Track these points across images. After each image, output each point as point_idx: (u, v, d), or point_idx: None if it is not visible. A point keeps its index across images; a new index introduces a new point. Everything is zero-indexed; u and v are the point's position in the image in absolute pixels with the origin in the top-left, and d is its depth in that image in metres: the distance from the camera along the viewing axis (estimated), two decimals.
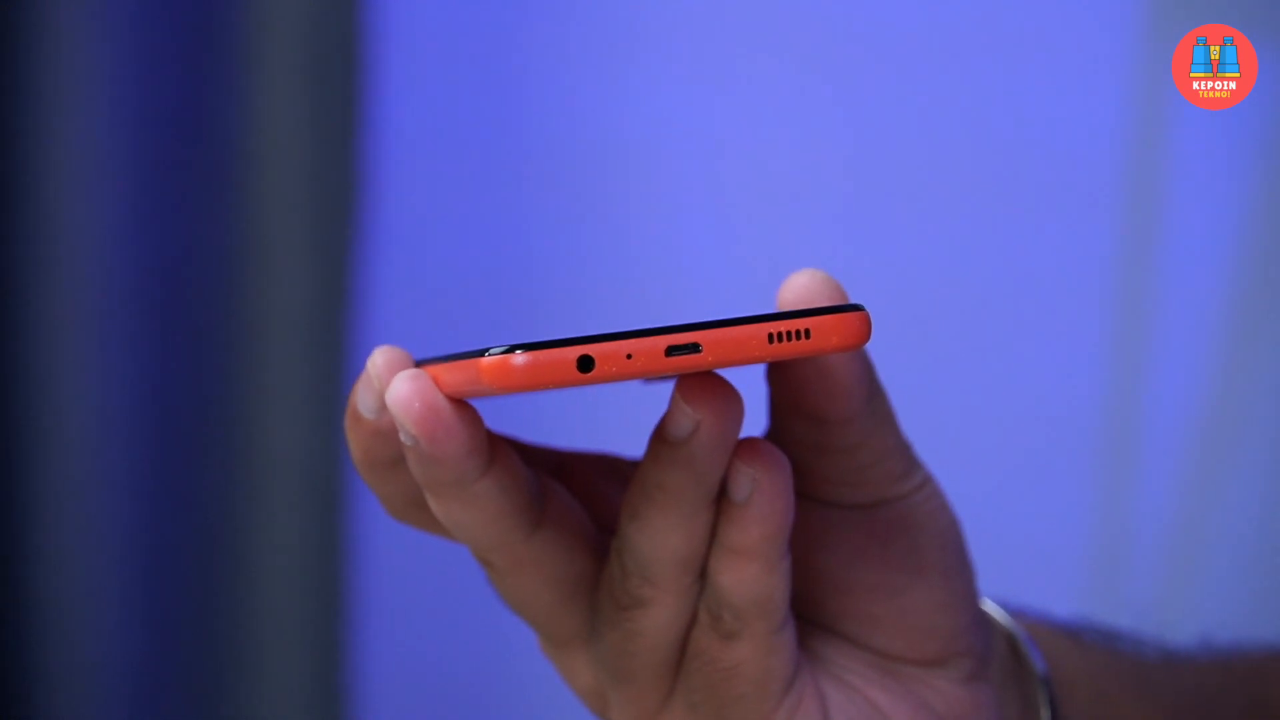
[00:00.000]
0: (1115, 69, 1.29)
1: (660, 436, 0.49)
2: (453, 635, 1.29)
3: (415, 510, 0.54)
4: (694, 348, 0.45)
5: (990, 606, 0.59)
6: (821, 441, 0.52)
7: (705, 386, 0.48)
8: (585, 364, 0.44)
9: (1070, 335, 1.31)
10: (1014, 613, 0.61)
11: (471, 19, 1.27)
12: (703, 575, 0.51)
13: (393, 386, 0.48)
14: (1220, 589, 1.30)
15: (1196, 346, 1.30)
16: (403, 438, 0.49)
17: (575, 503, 0.53)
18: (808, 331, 0.45)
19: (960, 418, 1.31)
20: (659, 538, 0.49)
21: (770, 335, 0.45)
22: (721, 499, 0.49)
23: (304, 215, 1.13)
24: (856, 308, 0.45)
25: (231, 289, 1.13)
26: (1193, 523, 1.31)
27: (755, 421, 0.56)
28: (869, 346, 0.56)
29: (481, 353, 0.45)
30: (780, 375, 0.52)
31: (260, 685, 1.16)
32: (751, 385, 0.56)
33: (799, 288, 0.51)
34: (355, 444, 0.53)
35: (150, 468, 1.14)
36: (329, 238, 1.13)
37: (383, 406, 0.51)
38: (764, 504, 0.49)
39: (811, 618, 0.55)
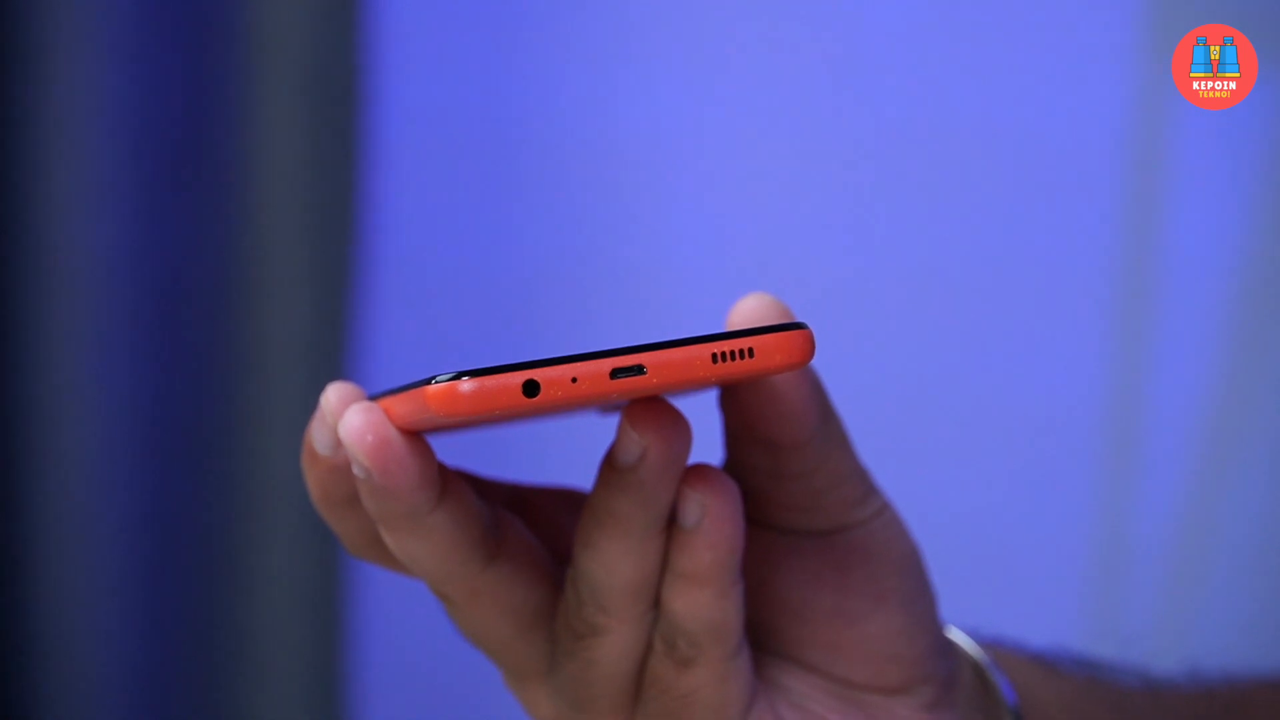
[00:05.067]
0: (1116, 68, 1.29)
1: (609, 463, 0.49)
2: (449, 653, 1.29)
3: (374, 548, 0.54)
4: (638, 370, 0.45)
5: (958, 635, 0.59)
6: (776, 468, 0.53)
7: (652, 412, 0.48)
8: (530, 388, 0.45)
9: (1070, 339, 1.31)
10: (985, 642, 0.61)
11: (470, 39, 1.28)
12: (657, 603, 0.51)
13: (345, 419, 0.48)
14: (1222, 595, 1.29)
15: (1198, 351, 1.30)
16: (356, 470, 0.49)
17: (531, 535, 0.53)
18: (751, 351, 0.45)
19: (959, 421, 1.30)
20: (611, 565, 0.49)
21: (714, 355, 0.45)
22: (672, 526, 0.50)
23: (303, 237, 1.13)
24: (800, 326, 0.46)
25: (230, 310, 1.14)
26: (1195, 527, 1.30)
27: (712, 452, 0.56)
28: (845, 368, 0.56)
29: (428, 381, 0.45)
30: (732, 402, 0.52)
31: (259, 701, 1.16)
32: (705, 414, 0.56)
33: (747, 311, 0.51)
34: (312, 481, 0.53)
35: (148, 488, 1.14)
36: (328, 258, 1.13)
37: (338, 443, 0.51)
38: (714, 529, 0.49)
39: (771, 646, 0.55)
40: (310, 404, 1.14)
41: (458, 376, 0.45)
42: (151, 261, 1.13)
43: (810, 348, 0.45)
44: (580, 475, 0.60)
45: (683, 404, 0.51)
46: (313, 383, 1.14)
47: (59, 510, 1.12)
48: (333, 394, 0.51)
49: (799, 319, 0.51)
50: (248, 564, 1.16)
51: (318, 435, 0.52)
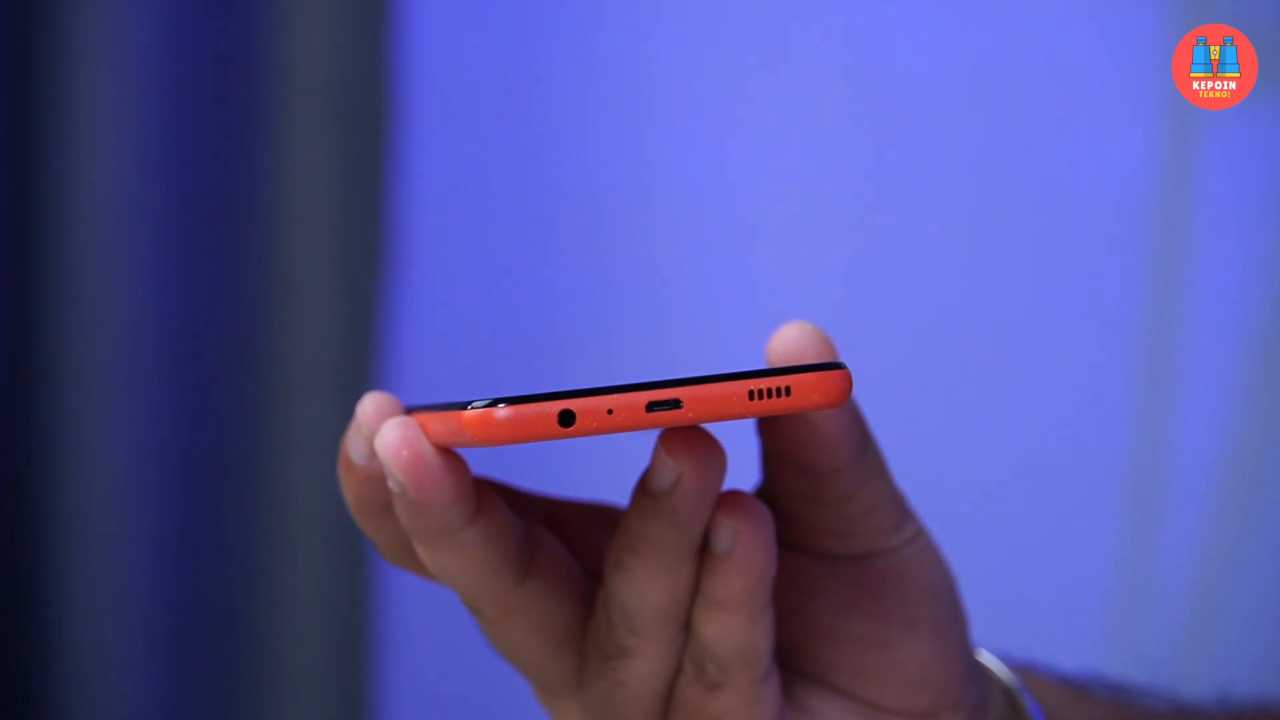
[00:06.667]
0: (1139, 109, 1.28)
1: (643, 488, 0.49)
2: (476, 672, 1.29)
3: (410, 556, 0.54)
4: (675, 404, 0.45)
5: (988, 659, 0.59)
6: (811, 493, 0.52)
7: (688, 440, 0.48)
8: (566, 419, 0.45)
9: (1097, 370, 1.30)
10: (1017, 666, 0.61)
11: (498, 69, 1.28)
12: (687, 626, 0.51)
13: (381, 433, 0.49)
14: (1248, 623, 1.29)
15: (1223, 380, 1.29)
16: (391, 484, 0.49)
17: (565, 552, 0.53)
18: (788, 389, 0.45)
19: (982, 461, 1.30)
20: (642, 589, 0.49)
21: (751, 392, 0.45)
22: (704, 551, 0.50)
23: (331, 263, 1.13)
24: (838, 366, 0.46)
25: (259, 336, 1.14)
26: (1218, 567, 1.30)
27: (749, 471, 0.56)
28: (872, 400, 0.56)
29: (464, 405, 0.45)
30: (770, 427, 0.52)
31: (285, 718, 1.16)
32: (742, 437, 0.56)
33: (787, 340, 0.51)
34: (348, 489, 0.53)
35: (177, 511, 1.14)
36: (356, 284, 1.14)
37: (373, 453, 0.52)
38: (745, 556, 0.49)
39: (801, 669, 0.55)
40: (337, 426, 1.14)
41: (494, 404, 0.45)
42: (181, 289, 1.13)
43: (848, 388, 0.45)
44: (615, 487, 0.61)
45: (720, 426, 0.51)
46: (339, 404, 1.14)
47: (86, 529, 1.12)
48: (369, 404, 0.51)
49: (838, 351, 0.51)
50: (274, 583, 1.16)
51: (353, 445, 0.52)
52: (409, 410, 0.51)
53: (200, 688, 1.16)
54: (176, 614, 1.15)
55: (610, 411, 0.45)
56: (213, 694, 1.16)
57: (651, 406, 0.45)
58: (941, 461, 1.29)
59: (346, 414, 1.14)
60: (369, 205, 1.13)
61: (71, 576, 1.13)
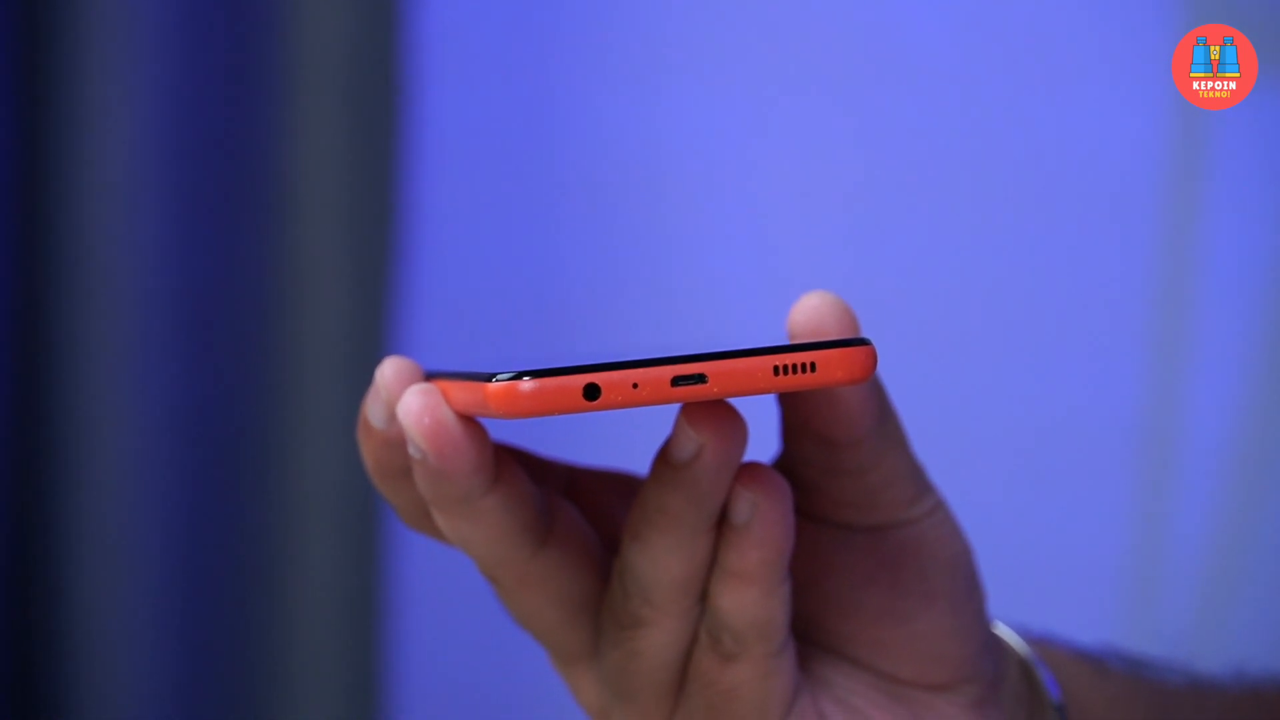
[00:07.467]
0: (1150, 74, 1.28)
1: (663, 459, 0.49)
2: (491, 655, 1.29)
3: (429, 520, 0.54)
4: (700, 378, 0.45)
5: (1005, 631, 0.59)
6: (831, 464, 0.52)
7: (710, 411, 0.48)
8: (591, 392, 0.45)
9: (1108, 342, 1.30)
10: (1034, 639, 0.61)
11: (509, 42, 1.27)
12: (704, 597, 0.51)
13: (404, 400, 0.49)
14: (1263, 597, 1.29)
15: (1237, 349, 1.29)
16: (411, 450, 0.49)
17: (583, 521, 0.53)
18: (813, 365, 0.45)
19: (993, 431, 1.30)
20: (659, 560, 0.49)
21: (776, 368, 0.45)
22: (722, 523, 0.50)
23: (342, 238, 1.13)
24: (863, 342, 0.46)
25: (270, 311, 1.14)
26: (1234, 542, 1.30)
27: (768, 441, 0.56)
28: (884, 371, 0.56)
29: (489, 377, 0.45)
30: (790, 398, 0.52)
31: (296, 708, 1.16)
32: (762, 407, 0.56)
33: (809, 310, 0.51)
34: (367, 453, 0.53)
35: (188, 489, 1.14)
36: (367, 260, 1.13)
37: (392, 417, 0.52)
38: (764, 528, 0.49)
39: (818, 640, 0.55)
40: (350, 407, 1.14)
41: (518, 376, 0.45)
42: (191, 265, 1.13)
43: (872, 364, 0.45)
44: (634, 455, 0.61)
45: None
46: (351, 389, 1.14)
47: (98, 510, 1.12)
48: (389, 368, 0.51)
49: (859, 323, 0.51)
50: (285, 570, 1.16)
51: (372, 409, 0.52)
52: (428, 375, 0.51)
53: (212, 670, 1.16)
54: (188, 595, 1.15)
55: (635, 386, 0.45)
56: (224, 676, 1.17)
57: (677, 381, 0.45)
58: (955, 436, 1.29)
59: (359, 394, 1.14)
60: (379, 183, 1.13)
61: (83, 558, 1.13)
